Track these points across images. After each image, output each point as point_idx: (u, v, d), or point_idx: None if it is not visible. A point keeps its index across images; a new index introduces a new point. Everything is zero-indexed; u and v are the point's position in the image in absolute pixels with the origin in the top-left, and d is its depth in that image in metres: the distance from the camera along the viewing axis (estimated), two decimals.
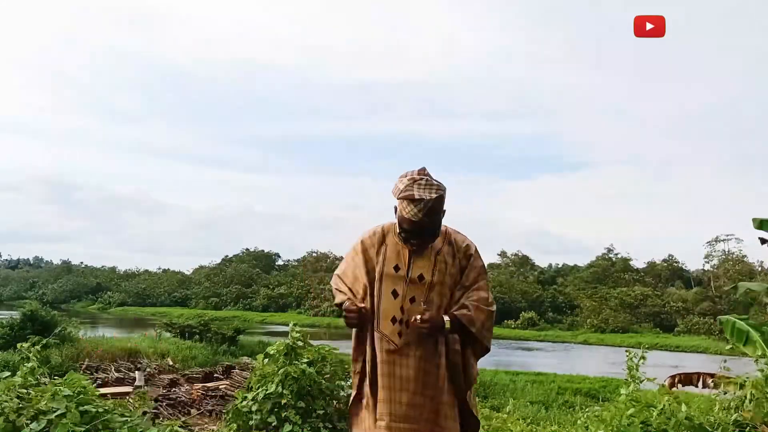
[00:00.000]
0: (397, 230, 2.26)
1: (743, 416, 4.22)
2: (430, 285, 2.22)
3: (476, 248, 2.33)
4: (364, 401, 2.30)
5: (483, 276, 2.32)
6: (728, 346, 5.35)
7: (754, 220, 5.72)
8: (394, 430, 2.16)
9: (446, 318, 2.19)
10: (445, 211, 2.22)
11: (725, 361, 5.04)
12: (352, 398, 2.39)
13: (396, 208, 2.22)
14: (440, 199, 2.16)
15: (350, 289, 2.33)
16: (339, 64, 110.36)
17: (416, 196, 2.11)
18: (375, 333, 2.25)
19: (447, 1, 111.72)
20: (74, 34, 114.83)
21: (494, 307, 2.30)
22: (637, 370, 4.11)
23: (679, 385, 5.19)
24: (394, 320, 2.21)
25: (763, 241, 5.75)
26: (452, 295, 2.26)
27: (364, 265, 2.31)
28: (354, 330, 2.33)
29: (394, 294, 2.23)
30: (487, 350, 2.34)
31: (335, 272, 2.45)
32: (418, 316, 2.14)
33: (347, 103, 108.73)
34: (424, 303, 2.20)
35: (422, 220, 2.13)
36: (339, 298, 2.36)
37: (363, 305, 2.23)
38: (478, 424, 2.33)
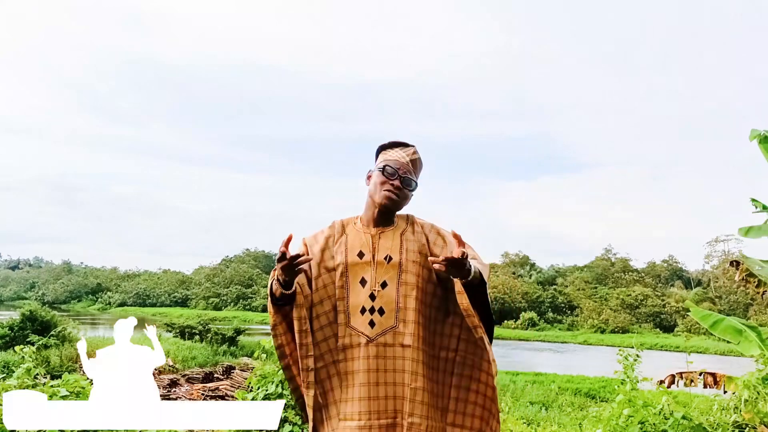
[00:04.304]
0: (365, 212, 2.12)
1: (743, 417, 4.21)
2: (400, 264, 2.01)
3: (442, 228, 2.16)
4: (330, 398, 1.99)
5: (468, 246, 2.05)
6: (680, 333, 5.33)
7: (740, 229, 5.73)
8: (374, 428, 1.89)
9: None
10: (417, 184, 2.09)
11: (689, 354, 5.03)
12: (313, 396, 1.98)
13: (369, 178, 2.13)
14: (420, 161, 2.12)
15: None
16: (338, 64, 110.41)
17: (405, 142, 2.13)
18: (346, 329, 1.98)
19: (447, 1, 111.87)
20: (75, 35, 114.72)
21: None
22: (633, 370, 4.10)
23: (680, 383, 5.15)
24: (363, 311, 1.98)
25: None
26: (430, 273, 2.03)
27: (330, 258, 2.07)
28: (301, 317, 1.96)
29: (363, 282, 2.00)
30: (491, 325, 1.98)
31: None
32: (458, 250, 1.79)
33: (347, 103, 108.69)
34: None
35: (407, 165, 2.06)
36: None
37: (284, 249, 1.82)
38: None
